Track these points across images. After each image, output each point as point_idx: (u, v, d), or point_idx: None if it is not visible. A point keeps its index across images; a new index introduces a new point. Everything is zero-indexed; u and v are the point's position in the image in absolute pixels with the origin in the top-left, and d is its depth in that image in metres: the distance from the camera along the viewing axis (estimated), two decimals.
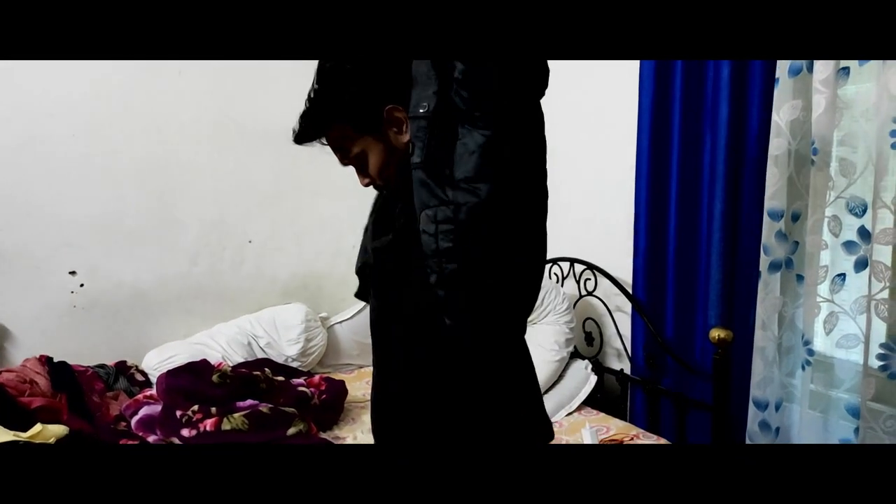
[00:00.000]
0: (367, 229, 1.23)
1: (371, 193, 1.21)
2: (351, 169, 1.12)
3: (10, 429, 1.75)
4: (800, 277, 1.90)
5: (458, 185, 0.93)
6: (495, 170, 0.93)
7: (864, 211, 1.70)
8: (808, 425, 1.83)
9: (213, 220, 2.66)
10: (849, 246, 1.75)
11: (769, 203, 1.88)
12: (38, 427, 1.76)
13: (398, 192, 1.09)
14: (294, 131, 1.08)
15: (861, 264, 1.71)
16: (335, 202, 2.83)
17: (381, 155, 1.06)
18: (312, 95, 1.05)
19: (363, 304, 2.77)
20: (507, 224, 0.96)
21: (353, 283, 1.26)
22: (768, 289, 1.90)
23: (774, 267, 1.89)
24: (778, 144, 1.85)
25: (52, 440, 1.75)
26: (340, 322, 2.81)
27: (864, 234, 1.69)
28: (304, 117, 1.07)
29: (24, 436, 1.72)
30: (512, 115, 0.97)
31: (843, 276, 1.77)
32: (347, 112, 1.03)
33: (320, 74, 1.04)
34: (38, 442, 1.73)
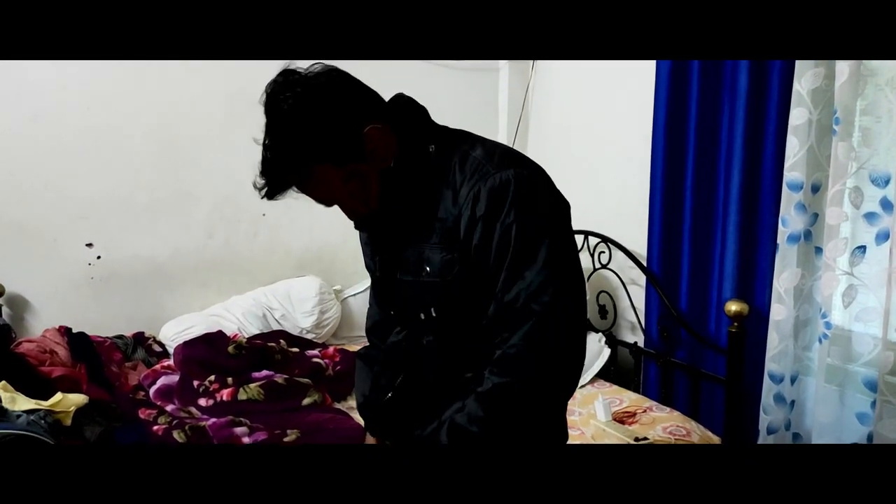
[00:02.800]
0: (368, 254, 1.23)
1: None
2: None
3: (32, 397, 1.78)
4: (818, 250, 1.87)
5: None
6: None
7: (887, 182, 1.67)
8: (823, 399, 1.81)
9: (227, 193, 2.66)
10: (870, 217, 1.71)
11: (788, 174, 1.85)
12: (58, 396, 1.79)
13: (394, 214, 1.05)
14: (259, 187, 0.97)
15: (883, 236, 1.68)
16: None
17: (373, 180, 1.00)
18: (277, 144, 0.95)
19: None
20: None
21: None
22: (786, 261, 1.88)
23: (793, 239, 1.86)
24: (799, 114, 1.81)
25: (72, 409, 1.79)
26: (354, 295, 2.82)
27: (887, 205, 1.66)
28: (273, 170, 0.96)
29: (45, 404, 1.76)
30: None
31: (863, 248, 1.74)
32: (326, 150, 0.94)
33: (279, 120, 0.96)
34: (59, 410, 1.76)
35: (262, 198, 0.98)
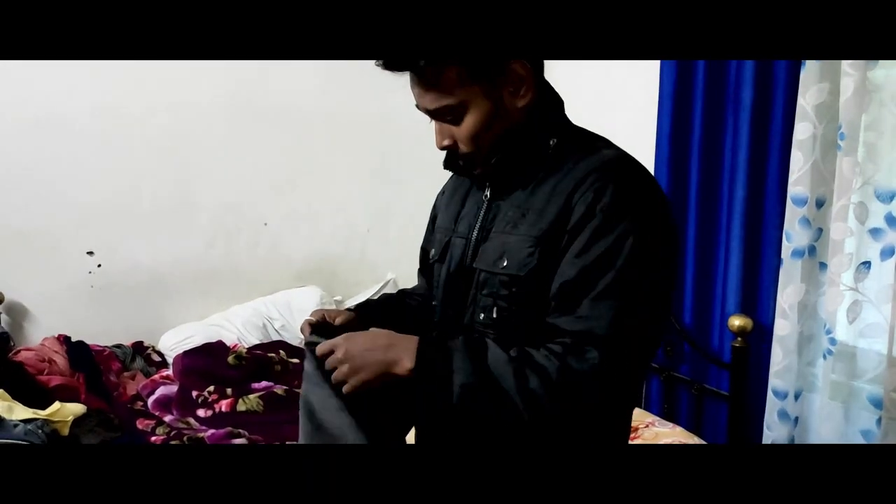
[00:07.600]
0: (438, 216, 1.12)
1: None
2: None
3: (29, 406, 1.77)
4: (823, 265, 1.86)
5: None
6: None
7: (892, 198, 1.66)
8: (828, 415, 1.80)
9: (228, 202, 2.66)
10: (875, 233, 1.70)
11: (793, 189, 1.84)
12: (56, 405, 1.78)
13: (486, 165, 0.95)
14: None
15: (888, 252, 1.67)
16: (350, 185, 2.81)
17: (483, 114, 0.90)
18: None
19: (377, 287, 2.76)
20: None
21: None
22: (790, 276, 1.87)
23: (797, 254, 1.85)
24: (803, 129, 1.80)
25: (70, 418, 1.77)
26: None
27: (892, 220, 1.65)
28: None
29: (42, 414, 1.74)
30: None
31: (867, 263, 1.73)
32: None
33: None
34: (56, 420, 1.75)
35: (377, 64, 0.90)
